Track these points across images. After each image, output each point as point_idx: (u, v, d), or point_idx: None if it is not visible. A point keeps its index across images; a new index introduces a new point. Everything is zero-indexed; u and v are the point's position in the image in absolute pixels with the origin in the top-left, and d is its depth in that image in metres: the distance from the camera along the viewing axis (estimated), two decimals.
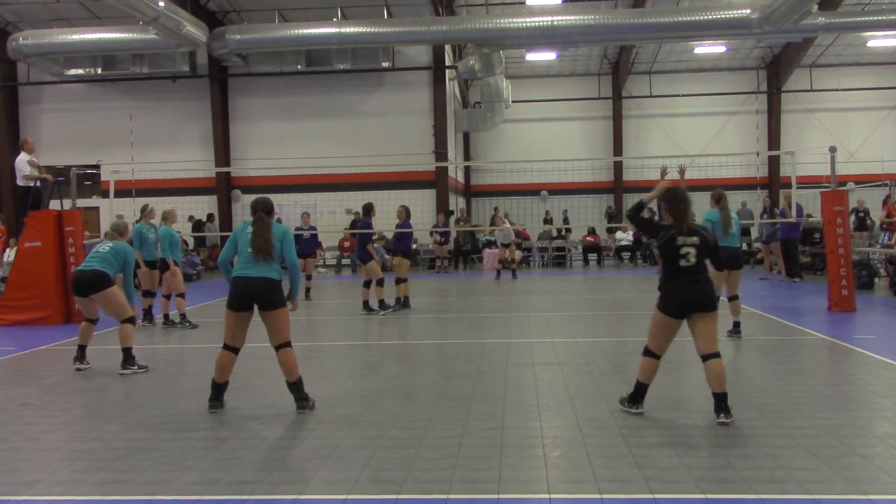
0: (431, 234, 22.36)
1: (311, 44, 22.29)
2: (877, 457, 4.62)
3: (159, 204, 12.96)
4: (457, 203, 27.52)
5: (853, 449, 4.75)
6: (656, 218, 9.38)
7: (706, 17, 20.21)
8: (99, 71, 23.67)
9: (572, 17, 20.86)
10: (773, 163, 29.38)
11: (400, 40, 22.08)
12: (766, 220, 17.54)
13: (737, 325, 9.07)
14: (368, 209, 12.92)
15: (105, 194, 18.41)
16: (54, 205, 13.14)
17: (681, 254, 5.43)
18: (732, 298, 9.05)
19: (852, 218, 16.49)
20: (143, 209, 11.92)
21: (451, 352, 8.78)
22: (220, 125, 24.70)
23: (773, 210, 18.83)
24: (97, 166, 21.64)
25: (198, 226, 23.56)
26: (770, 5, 18.92)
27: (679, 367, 7.13)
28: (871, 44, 27.08)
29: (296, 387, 5.95)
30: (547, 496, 4.09)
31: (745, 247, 20.94)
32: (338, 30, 21.42)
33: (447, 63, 25.24)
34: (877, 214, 17.89)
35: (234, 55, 22.78)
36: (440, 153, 24.21)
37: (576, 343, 9.21)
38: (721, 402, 5.33)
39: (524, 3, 23.23)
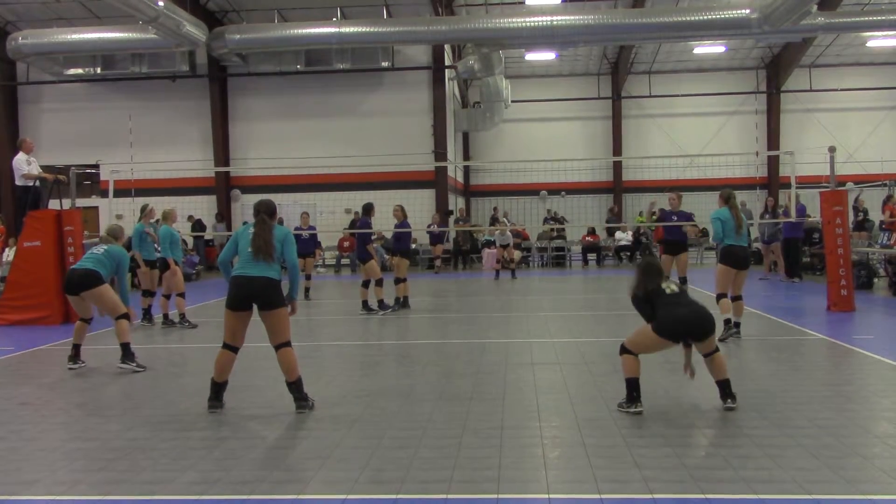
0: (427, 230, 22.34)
1: (311, 43, 22.28)
2: (877, 457, 4.62)
3: (159, 204, 12.95)
4: (456, 203, 27.52)
5: (853, 449, 4.75)
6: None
7: (706, 17, 20.20)
8: (98, 70, 23.70)
9: (572, 17, 20.86)
10: (773, 163, 29.38)
11: (399, 40, 22.06)
12: (768, 221, 17.53)
13: (737, 325, 9.00)
14: (368, 209, 12.91)
15: (104, 194, 18.38)
16: (54, 204, 13.14)
17: (666, 291, 5.63)
18: (736, 299, 9.01)
19: (852, 218, 16.47)
20: (143, 209, 11.93)
21: (450, 352, 8.78)
22: (219, 125, 24.71)
23: (777, 210, 18.77)
24: (96, 166, 21.61)
25: (198, 225, 23.56)
26: (770, 5, 18.90)
27: (679, 367, 7.09)
28: (870, 44, 27.09)
29: (295, 387, 5.95)
30: (546, 496, 4.09)
31: None
32: (337, 29, 21.40)
33: (447, 63, 25.25)
34: (876, 215, 17.87)
35: (233, 55, 22.78)
36: (439, 153, 24.22)
37: (575, 343, 9.22)
38: (726, 388, 5.58)
39: (524, 2, 23.23)
